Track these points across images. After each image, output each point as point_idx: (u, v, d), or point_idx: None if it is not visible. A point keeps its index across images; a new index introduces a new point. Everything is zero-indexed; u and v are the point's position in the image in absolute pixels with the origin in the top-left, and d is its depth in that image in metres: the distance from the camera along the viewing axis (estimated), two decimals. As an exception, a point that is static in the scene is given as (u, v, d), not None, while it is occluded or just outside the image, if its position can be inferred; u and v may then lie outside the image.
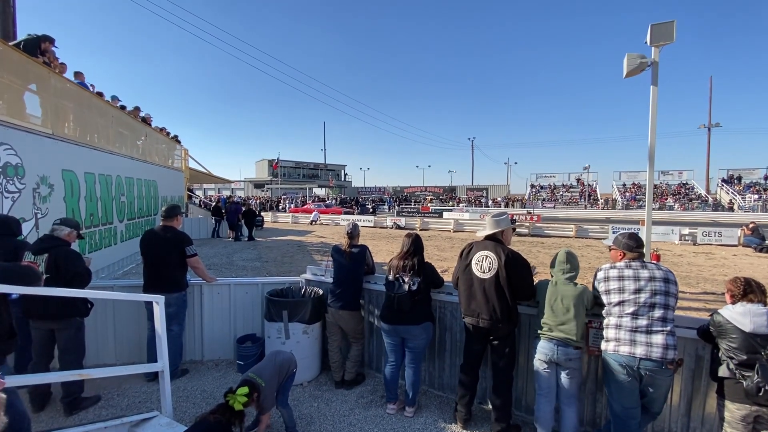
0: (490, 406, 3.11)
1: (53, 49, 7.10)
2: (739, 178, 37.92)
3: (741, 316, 2.14)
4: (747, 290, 2.22)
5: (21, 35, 8.09)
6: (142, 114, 11.94)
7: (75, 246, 3.43)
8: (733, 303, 2.25)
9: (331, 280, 3.85)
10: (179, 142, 16.16)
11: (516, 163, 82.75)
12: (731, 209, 33.13)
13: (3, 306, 2.23)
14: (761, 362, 2.03)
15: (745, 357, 2.09)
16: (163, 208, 4.01)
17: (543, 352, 2.75)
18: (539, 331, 2.78)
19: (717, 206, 34.74)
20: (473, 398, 3.16)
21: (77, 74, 8.20)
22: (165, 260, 3.82)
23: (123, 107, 10.48)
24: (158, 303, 2.80)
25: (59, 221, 3.37)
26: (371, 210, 39.04)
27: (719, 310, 2.27)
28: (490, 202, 44.77)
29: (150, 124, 12.42)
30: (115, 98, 10.13)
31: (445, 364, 3.60)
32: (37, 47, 6.62)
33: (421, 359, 3.37)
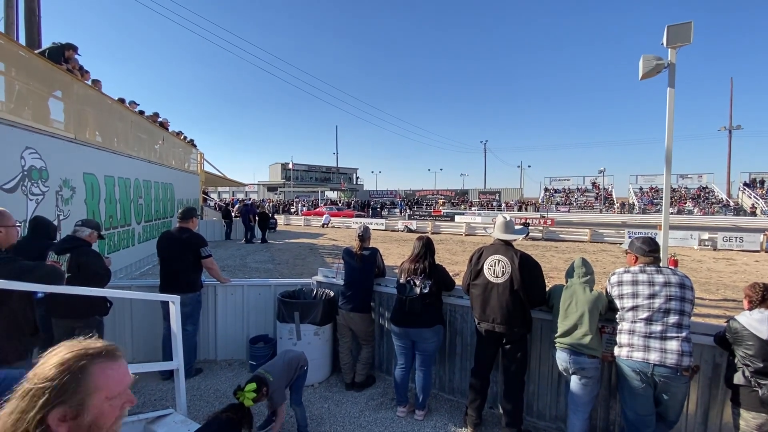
0: (501, 411, 3.09)
1: (76, 56, 7.35)
2: (762, 182, 36.73)
3: (758, 322, 2.10)
4: (765, 296, 2.17)
5: (46, 42, 8.43)
6: (159, 119, 12.24)
7: (95, 247, 3.54)
8: (751, 309, 2.21)
9: (342, 282, 3.88)
10: (195, 145, 16.49)
11: (529, 166, 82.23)
12: (753, 214, 32.11)
13: (29, 304, 2.32)
14: None
15: (761, 364, 2.05)
16: (180, 210, 4.13)
17: (558, 362, 2.74)
18: (554, 337, 2.76)
19: (738, 210, 33.72)
20: (484, 402, 3.14)
21: (95, 82, 8.47)
22: (181, 261, 3.92)
23: (141, 112, 10.76)
24: (174, 303, 2.87)
25: (81, 222, 3.49)
26: (379, 210, 39.19)
27: (736, 317, 2.23)
28: (502, 206, 44.37)
29: (167, 129, 12.72)
30: (133, 103, 10.40)
31: (456, 368, 3.59)
32: (61, 55, 6.86)
33: (432, 362, 3.37)
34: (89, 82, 7.77)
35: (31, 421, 0.83)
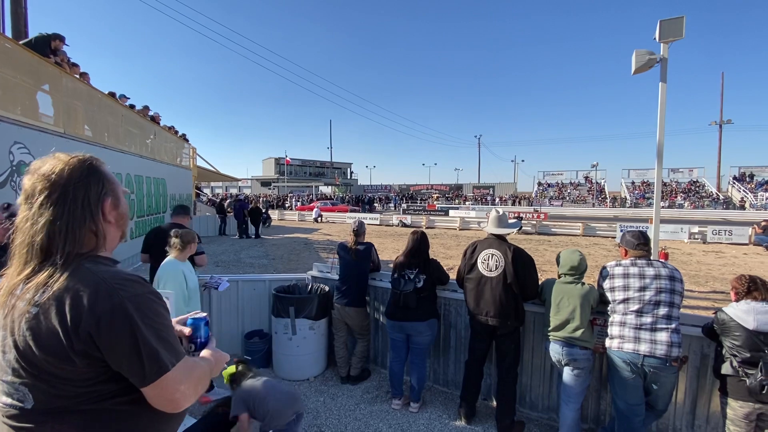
0: (495, 403, 3.13)
1: (64, 47, 7.18)
2: (751, 176, 37.31)
3: (745, 313, 2.15)
4: (751, 288, 2.22)
5: (33, 34, 8.24)
6: (150, 113, 12.07)
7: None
8: (737, 300, 2.26)
9: (337, 277, 3.89)
10: (187, 140, 16.31)
11: (523, 160, 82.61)
12: (742, 207, 32.61)
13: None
14: (765, 360, 2.03)
15: (748, 354, 2.09)
16: (175, 206, 4.10)
17: (551, 354, 2.78)
18: (547, 331, 2.80)
19: (728, 204, 34.22)
20: (478, 394, 3.18)
21: (83, 75, 8.30)
22: None
23: (132, 106, 10.61)
24: (169, 298, 2.86)
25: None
26: (367, 202, 39.11)
27: (723, 308, 2.27)
28: (496, 200, 44.57)
29: (158, 123, 12.56)
30: (123, 97, 10.24)
31: (450, 361, 3.63)
32: (48, 46, 6.70)
33: (426, 355, 3.40)
34: (77, 76, 7.63)
35: (94, 207, 0.92)
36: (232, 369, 2.59)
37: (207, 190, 38.88)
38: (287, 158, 53.98)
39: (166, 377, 0.86)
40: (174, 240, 3.12)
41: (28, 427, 0.83)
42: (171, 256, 3.12)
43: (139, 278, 0.92)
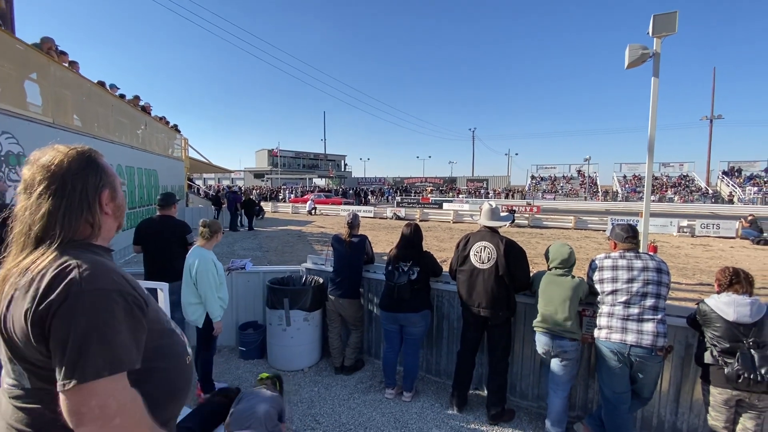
0: (486, 392, 3.20)
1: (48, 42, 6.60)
2: (740, 171, 37.87)
3: (725, 305, 2.22)
4: (733, 280, 2.29)
5: (19, 25, 8.02)
6: (141, 103, 11.89)
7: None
8: (720, 293, 2.33)
9: (331, 269, 3.92)
10: (179, 131, 16.10)
11: (517, 154, 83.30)
12: (731, 201, 33.17)
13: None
14: (742, 350, 2.11)
15: (727, 345, 2.17)
16: (159, 197, 3.99)
17: (539, 345, 2.84)
18: (534, 323, 2.86)
19: (717, 198, 34.76)
20: (469, 384, 3.25)
21: (72, 64, 8.12)
22: (166, 249, 3.85)
23: (122, 96, 10.43)
24: (162, 290, 2.86)
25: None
26: (361, 196, 38.97)
27: (705, 300, 2.34)
28: (490, 193, 44.76)
29: (149, 113, 12.38)
30: (113, 86, 10.06)
31: (443, 351, 3.69)
32: None
33: (419, 346, 3.45)
34: (65, 65, 7.48)
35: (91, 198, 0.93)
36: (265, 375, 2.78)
37: (199, 182, 38.46)
38: (275, 149, 53.18)
39: (77, 388, 0.77)
40: (202, 229, 3.23)
41: (30, 408, 0.85)
42: (198, 244, 3.25)
43: (116, 274, 0.88)
